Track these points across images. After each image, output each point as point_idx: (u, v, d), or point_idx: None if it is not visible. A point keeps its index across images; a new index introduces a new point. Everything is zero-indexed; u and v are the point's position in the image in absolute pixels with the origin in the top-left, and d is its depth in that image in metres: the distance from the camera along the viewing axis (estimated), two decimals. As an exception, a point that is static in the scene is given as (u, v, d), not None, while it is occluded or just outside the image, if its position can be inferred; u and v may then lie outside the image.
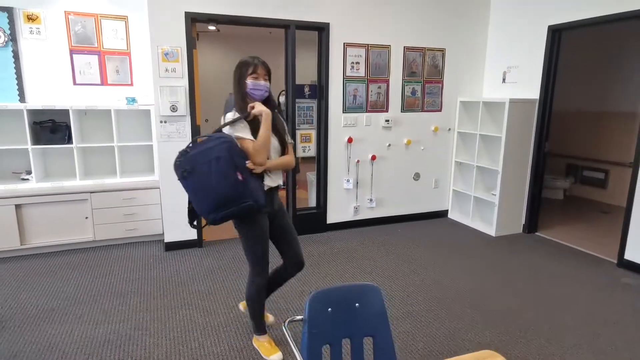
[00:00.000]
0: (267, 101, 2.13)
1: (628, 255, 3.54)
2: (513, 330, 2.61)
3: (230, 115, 2.09)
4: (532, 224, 4.46)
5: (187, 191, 2.02)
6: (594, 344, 2.47)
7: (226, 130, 2.07)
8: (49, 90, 3.88)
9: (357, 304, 1.51)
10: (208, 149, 1.92)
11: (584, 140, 6.12)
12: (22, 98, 3.79)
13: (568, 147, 6.28)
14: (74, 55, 3.90)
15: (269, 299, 2.97)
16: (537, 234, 4.45)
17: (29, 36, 3.76)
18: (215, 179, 1.88)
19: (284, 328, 1.41)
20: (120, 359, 2.28)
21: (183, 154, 1.98)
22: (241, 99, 2.10)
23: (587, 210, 5.49)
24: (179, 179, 1.99)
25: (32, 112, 3.76)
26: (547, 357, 2.34)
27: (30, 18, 3.73)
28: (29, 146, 3.68)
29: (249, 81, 2.05)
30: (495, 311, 2.82)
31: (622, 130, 5.59)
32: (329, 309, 1.46)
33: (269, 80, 2.11)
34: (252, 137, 2.04)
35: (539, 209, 4.50)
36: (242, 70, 2.07)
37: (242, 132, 2.05)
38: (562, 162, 6.39)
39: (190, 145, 2.02)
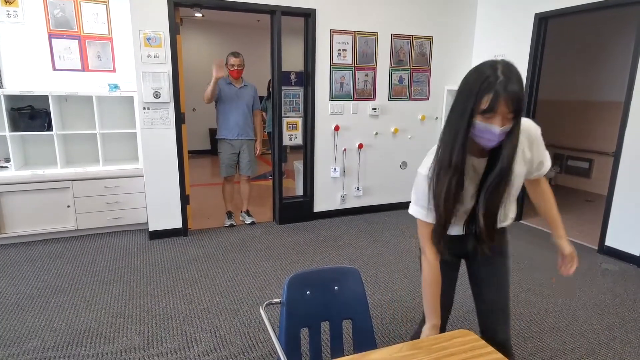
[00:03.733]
0: (497, 151, 1.24)
1: (608, 242, 3.60)
2: (495, 315, 2.64)
3: (428, 163, 1.32)
4: (517, 213, 4.50)
5: None
6: (572, 327, 2.51)
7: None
8: (27, 75, 3.77)
9: (336, 287, 1.51)
10: None
11: (569, 130, 6.18)
12: (-1, 83, 3.69)
13: (554, 137, 6.34)
14: (53, 40, 3.79)
15: (248, 289, 2.97)
16: (521, 222, 4.50)
17: (6, 19, 3.64)
18: None
19: (261, 311, 1.40)
20: (100, 346, 2.25)
21: None
22: (456, 137, 1.22)
23: (572, 199, 5.56)
24: None
25: (10, 98, 3.65)
26: (527, 339, 2.37)
27: (7, 1, 3.61)
28: (7, 133, 3.58)
29: (479, 122, 1.18)
30: (478, 297, 2.85)
31: (607, 120, 5.65)
32: (308, 292, 1.46)
33: (518, 116, 1.18)
34: (429, 220, 1.36)
35: (524, 198, 4.55)
36: (473, 96, 1.16)
37: (419, 206, 1.37)
38: (548, 151, 6.44)
39: None
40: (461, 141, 1.21)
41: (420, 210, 1.38)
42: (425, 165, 1.34)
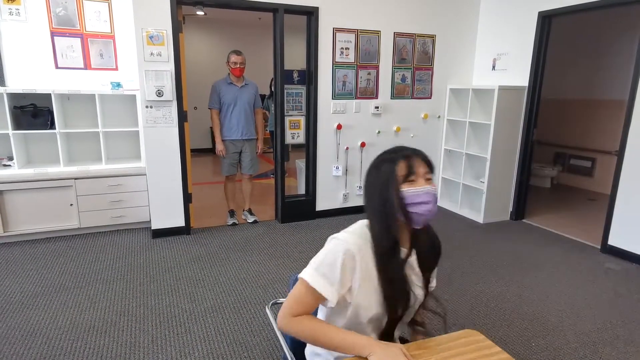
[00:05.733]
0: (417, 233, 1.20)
1: (612, 241, 3.59)
2: (497, 314, 2.64)
3: (352, 239, 1.13)
4: (519, 211, 4.50)
5: None
6: (576, 326, 2.51)
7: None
8: (29, 73, 3.77)
9: (341, 286, 1.50)
10: None
11: (572, 129, 6.17)
12: (1, 81, 3.68)
13: (556, 136, 6.33)
14: (55, 38, 3.79)
15: (251, 287, 2.97)
16: (524, 221, 4.50)
17: (8, 17, 3.63)
18: None
19: (267, 311, 1.40)
20: (105, 344, 2.26)
21: None
22: (387, 219, 1.13)
23: (574, 198, 5.56)
24: None
25: (13, 96, 3.66)
26: (530, 339, 2.38)
27: (10, -1, 3.61)
28: (10, 131, 3.59)
29: (406, 189, 1.11)
30: (480, 295, 2.85)
31: (610, 119, 5.64)
32: (313, 291, 1.45)
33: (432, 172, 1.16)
34: (328, 297, 1.09)
35: (527, 197, 4.54)
36: (386, 170, 1.15)
37: (323, 277, 1.09)
38: (550, 150, 6.44)
39: None
40: (393, 223, 1.13)
41: (325, 284, 1.09)
42: (348, 240, 1.12)
